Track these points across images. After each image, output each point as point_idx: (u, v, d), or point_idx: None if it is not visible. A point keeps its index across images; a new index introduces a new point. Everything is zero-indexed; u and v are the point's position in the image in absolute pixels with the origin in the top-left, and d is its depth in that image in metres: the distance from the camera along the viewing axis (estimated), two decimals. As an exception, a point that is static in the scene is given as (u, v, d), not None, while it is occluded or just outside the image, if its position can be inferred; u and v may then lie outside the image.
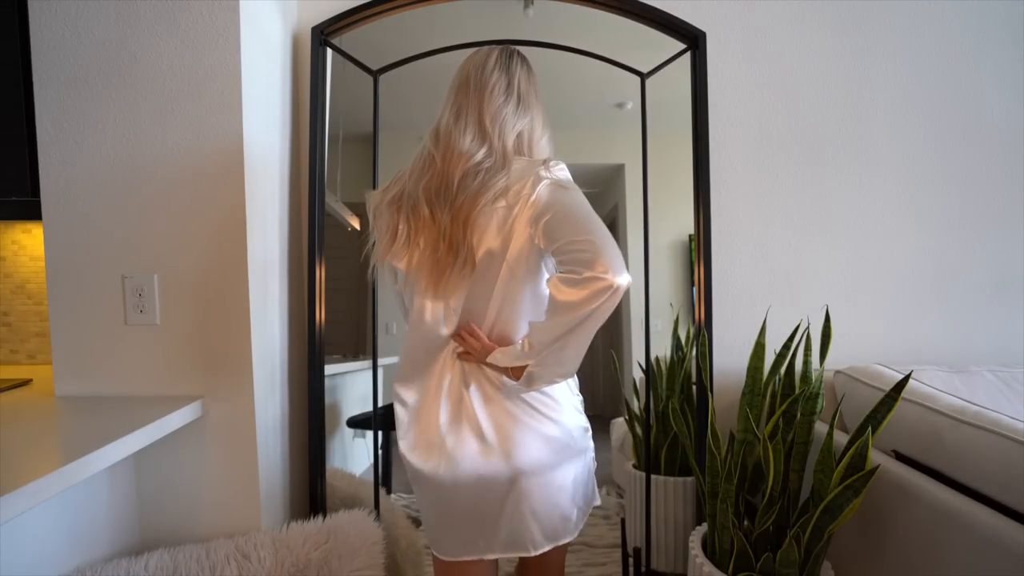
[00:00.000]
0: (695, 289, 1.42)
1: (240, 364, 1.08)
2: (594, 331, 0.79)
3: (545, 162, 0.87)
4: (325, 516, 1.14)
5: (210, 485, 1.09)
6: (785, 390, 1.15)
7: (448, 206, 0.85)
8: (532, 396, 0.88)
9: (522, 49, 0.98)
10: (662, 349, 1.47)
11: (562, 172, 0.88)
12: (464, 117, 0.89)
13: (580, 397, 1.01)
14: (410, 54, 1.40)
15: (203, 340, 1.08)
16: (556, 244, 0.80)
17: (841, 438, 1.16)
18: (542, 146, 0.96)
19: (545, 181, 0.85)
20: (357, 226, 1.56)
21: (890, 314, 1.54)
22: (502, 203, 0.84)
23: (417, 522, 1.55)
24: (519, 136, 0.92)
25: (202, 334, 1.08)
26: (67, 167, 1.06)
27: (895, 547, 1.04)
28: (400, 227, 0.89)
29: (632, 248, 1.46)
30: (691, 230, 1.44)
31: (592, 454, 0.99)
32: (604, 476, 1.86)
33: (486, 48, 0.95)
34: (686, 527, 1.40)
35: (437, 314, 0.90)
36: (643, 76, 1.44)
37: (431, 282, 0.88)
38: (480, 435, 0.86)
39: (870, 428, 0.97)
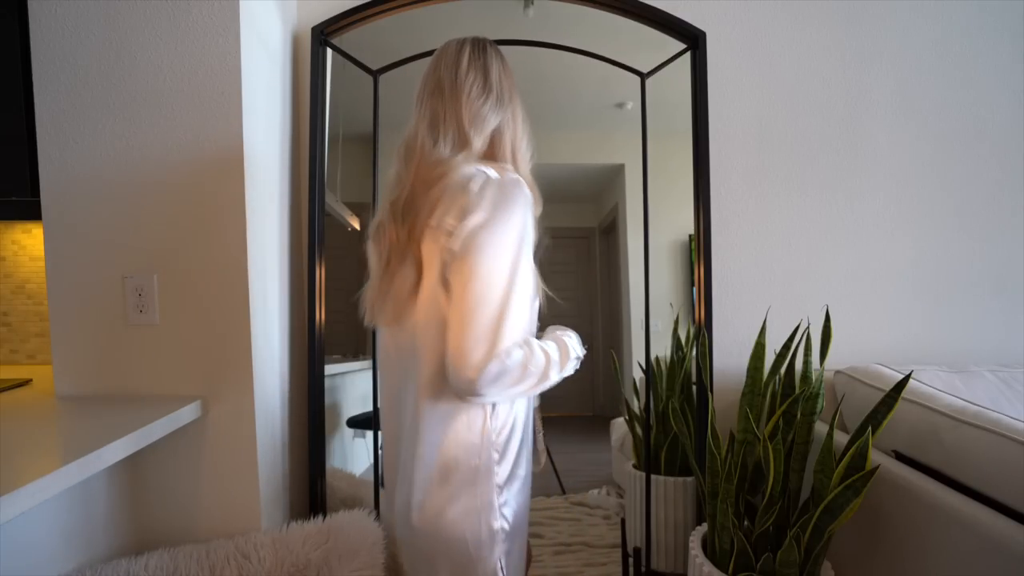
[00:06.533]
0: (695, 289, 1.42)
1: (240, 364, 1.08)
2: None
3: (486, 183, 0.74)
4: (325, 516, 1.14)
5: (210, 485, 1.09)
6: (785, 390, 1.15)
7: (409, 219, 0.77)
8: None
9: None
10: (662, 349, 1.47)
11: (505, 192, 0.74)
12: (440, 125, 0.80)
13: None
14: (410, 54, 1.40)
15: (203, 340, 1.08)
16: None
17: (841, 438, 1.16)
18: (525, 145, 0.87)
19: (479, 216, 0.72)
20: (357, 226, 1.56)
21: (890, 314, 1.54)
22: (443, 219, 0.74)
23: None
24: (497, 134, 0.83)
25: (202, 334, 1.08)
26: (67, 167, 1.06)
27: (895, 547, 1.04)
28: (382, 252, 0.81)
29: (632, 248, 1.46)
30: (691, 230, 1.44)
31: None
32: (604, 476, 1.86)
33: (455, 44, 0.86)
34: (686, 527, 1.40)
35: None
36: (643, 76, 1.44)
37: (393, 309, 0.79)
38: None
39: (870, 428, 0.97)
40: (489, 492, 0.80)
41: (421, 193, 0.78)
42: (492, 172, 0.76)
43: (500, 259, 0.72)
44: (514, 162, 0.85)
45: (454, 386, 0.73)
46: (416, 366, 0.78)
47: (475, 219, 0.72)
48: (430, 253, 0.75)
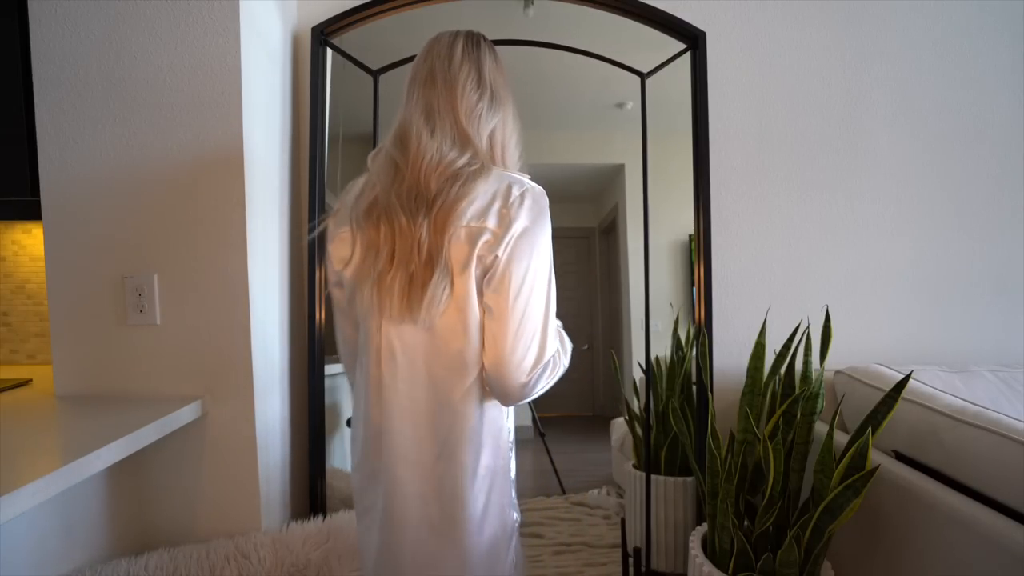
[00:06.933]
0: (695, 289, 1.42)
1: (240, 364, 1.08)
2: None
3: (524, 192, 0.75)
4: (325, 516, 1.14)
5: (210, 485, 1.09)
6: (785, 390, 1.15)
7: (425, 212, 0.73)
8: None
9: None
10: (662, 349, 1.47)
11: (540, 203, 0.76)
12: (435, 117, 0.77)
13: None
14: (410, 54, 1.39)
15: (203, 340, 1.08)
16: (488, 305, 0.74)
17: (841, 438, 1.16)
18: (513, 145, 0.85)
19: (521, 223, 0.72)
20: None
21: (890, 314, 1.54)
22: (475, 223, 0.72)
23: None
24: (492, 135, 0.81)
25: (202, 334, 1.08)
26: (67, 167, 1.06)
27: (895, 547, 1.05)
28: (381, 241, 0.75)
29: (632, 248, 1.46)
30: (691, 230, 1.44)
31: None
32: (604, 476, 1.86)
33: (448, 35, 0.85)
34: (686, 527, 1.40)
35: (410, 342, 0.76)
36: (643, 76, 1.44)
37: (403, 303, 0.73)
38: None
39: (870, 428, 0.97)
40: (509, 487, 0.82)
41: (431, 188, 0.74)
42: (525, 181, 0.77)
43: (542, 267, 0.75)
44: (503, 163, 0.83)
45: (501, 390, 0.75)
46: (446, 370, 0.76)
47: (518, 227, 0.73)
48: (459, 253, 0.72)
